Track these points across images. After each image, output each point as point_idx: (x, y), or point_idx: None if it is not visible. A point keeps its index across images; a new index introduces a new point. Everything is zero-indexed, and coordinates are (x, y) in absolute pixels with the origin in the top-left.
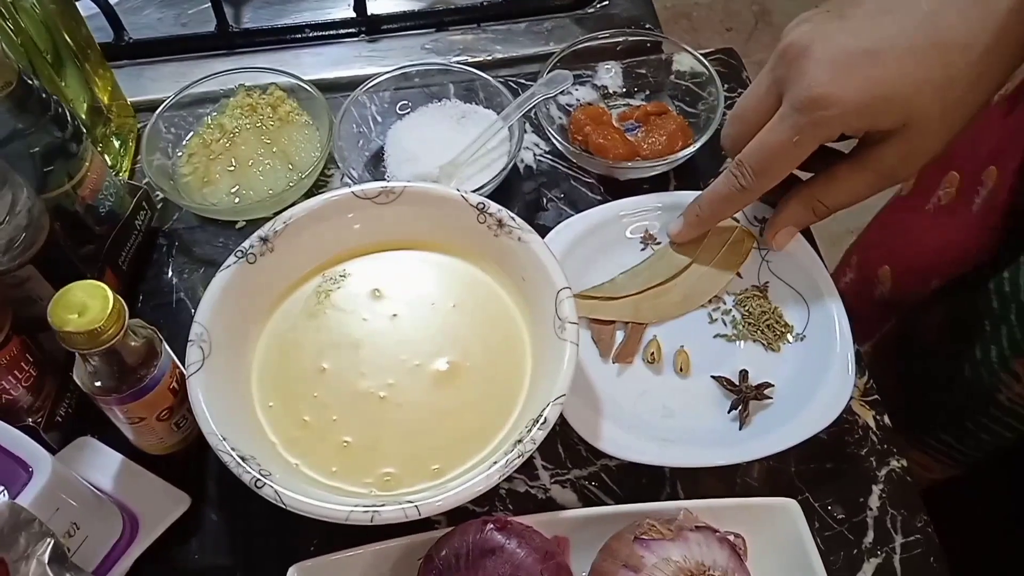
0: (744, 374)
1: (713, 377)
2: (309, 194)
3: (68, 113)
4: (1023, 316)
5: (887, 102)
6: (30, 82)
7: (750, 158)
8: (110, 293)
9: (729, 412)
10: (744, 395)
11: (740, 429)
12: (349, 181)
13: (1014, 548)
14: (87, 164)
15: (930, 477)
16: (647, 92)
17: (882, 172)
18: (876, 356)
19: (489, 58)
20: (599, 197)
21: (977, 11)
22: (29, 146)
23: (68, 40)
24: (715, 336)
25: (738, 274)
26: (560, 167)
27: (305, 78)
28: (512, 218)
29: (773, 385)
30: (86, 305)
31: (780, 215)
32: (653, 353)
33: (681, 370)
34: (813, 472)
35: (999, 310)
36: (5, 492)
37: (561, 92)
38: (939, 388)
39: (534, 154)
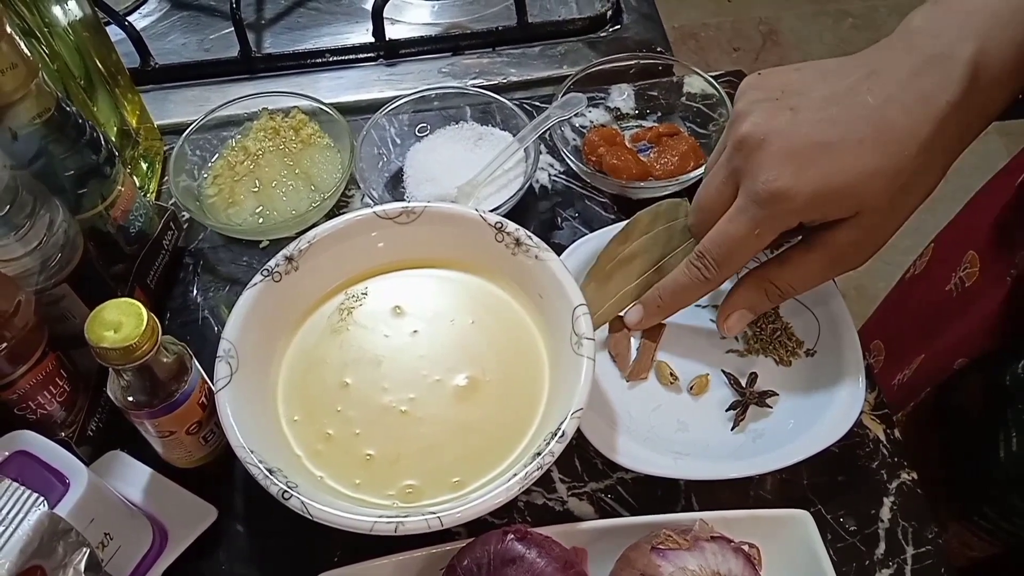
0: (753, 377)
1: (724, 372)
2: (331, 214)
3: (102, 137)
4: None
5: (841, 194)
6: (67, 108)
7: (711, 249)
8: (144, 311)
9: (727, 411)
10: (746, 399)
11: (732, 430)
12: (370, 201)
13: None
14: (119, 187)
15: (970, 555)
16: (659, 114)
17: (835, 257)
18: (913, 425)
19: (504, 81)
20: (613, 216)
21: (920, 107)
22: (65, 169)
23: (99, 65)
24: (727, 352)
25: None
26: (575, 187)
27: (326, 101)
28: (529, 237)
29: (777, 395)
30: (121, 322)
31: (732, 298)
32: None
33: (694, 387)
34: (825, 484)
35: None
36: (45, 502)
37: (575, 114)
38: (982, 459)
39: (549, 174)
